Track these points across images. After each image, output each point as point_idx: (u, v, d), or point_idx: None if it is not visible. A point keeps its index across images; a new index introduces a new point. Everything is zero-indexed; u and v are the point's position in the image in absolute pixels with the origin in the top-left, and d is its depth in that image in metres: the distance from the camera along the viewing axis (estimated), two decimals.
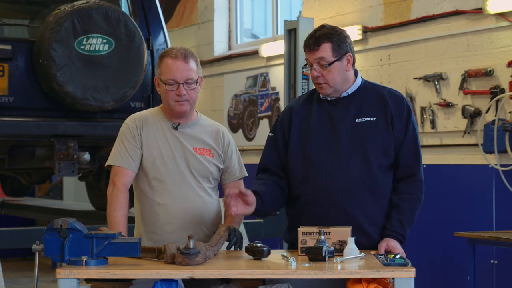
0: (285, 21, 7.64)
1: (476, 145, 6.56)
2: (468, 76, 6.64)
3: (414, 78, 7.14)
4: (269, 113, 9.14)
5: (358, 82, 3.76)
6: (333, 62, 3.63)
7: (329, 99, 3.73)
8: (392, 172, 3.72)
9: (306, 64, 3.73)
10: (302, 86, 7.25)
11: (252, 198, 3.56)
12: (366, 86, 3.78)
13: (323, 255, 3.23)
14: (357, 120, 3.68)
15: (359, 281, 3.12)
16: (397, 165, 3.71)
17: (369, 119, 3.68)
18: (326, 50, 3.63)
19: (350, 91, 3.72)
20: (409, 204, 3.68)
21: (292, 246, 3.72)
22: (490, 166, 6.46)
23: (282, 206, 3.88)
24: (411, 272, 3.06)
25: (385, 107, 3.69)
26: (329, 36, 3.64)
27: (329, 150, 3.67)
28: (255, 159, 9.50)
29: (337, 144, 3.66)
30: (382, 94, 3.74)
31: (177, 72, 3.71)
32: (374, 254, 3.40)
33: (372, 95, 3.74)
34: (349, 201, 3.63)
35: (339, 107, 3.71)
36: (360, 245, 3.42)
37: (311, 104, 3.78)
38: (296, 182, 3.74)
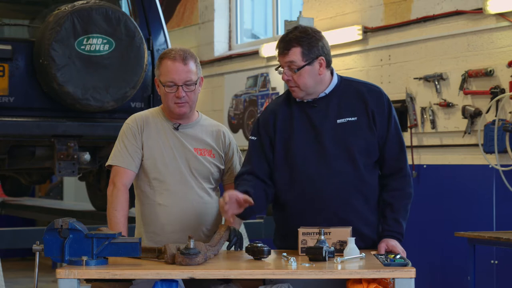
0: (285, 21, 7.63)
1: (476, 145, 6.56)
2: (468, 76, 6.64)
3: (414, 78, 7.14)
4: None
5: (335, 81, 3.68)
6: (303, 66, 3.57)
7: (305, 100, 3.67)
8: (377, 169, 3.69)
9: (279, 66, 3.66)
10: None
11: (247, 200, 3.47)
12: (343, 84, 3.70)
13: (323, 255, 3.23)
14: (338, 121, 3.62)
15: (359, 281, 3.12)
16: (383, 162, 3.67)
17: (350, 119, 3.62)
18: (295, 55, 3.57)
19: (327, 91, 3.66)
20: (401, 200, 3.65)
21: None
22: (490, 166, 6.46)
23: (263, 211, 3.81)
24: (411, 272, 3.06)
25: (365, 104, 3.63)
26: (299, 40, 3.57)
27: (314, 155, 3.61)
28: None
29: (321, 147, 3.61)
30: (360, 90, 3.67)
31: (176, 74, 3.70)
32: (374, 254, 3.40)
33: (350, 93, 3.66)
34: (341, 206, 3.60)
35: (318, 109, 3.64)
36: (358, 248, 3.42)
37: (290, 106, 3.70)
38: (283, 190, 3.68)
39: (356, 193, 3.62)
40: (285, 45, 3.59)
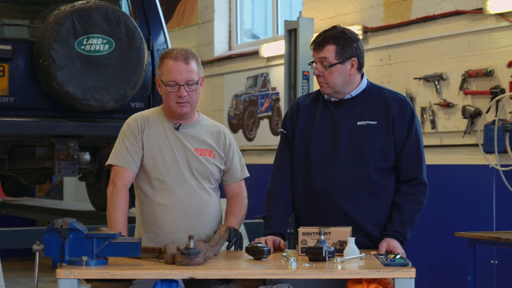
0: (285, 21, 7.63)
1: (476, 145, 6.56)
2: (468, 76, 6.65)
3: (414, 78, 7.14)
4: (270, 113, 9.14)
5: (363, 85, 3.77)
6: (335, 64, 3.66)
7: (332, 99, 3.75)
8: (393, 174, 3.73)
9: (313, 61, 3.76)
10: (303, 86, 7.25)
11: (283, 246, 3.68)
12: (372, 89, 3.78)
13: (323, 255, 3.23)
14: (358, 123, 3.70)
15: (359, 281, 3.12)
16: (399, 169, 3.72)
17: (370, 122, 3.70)
18: (329, 52, 3.66)
19: (354, 93, 3.74)
20: (410, 205, 3.68)
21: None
22: (490, 166, 6.46)
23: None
24: (411, 272, 3.06)
25: (387, 111, 3.70)
26: (335, 38, 3.67)
27: (328, 152, 3.70)
28: (256, 159, 9.53)
29: (336, 146, 3.69)
30: (385, 98, 3.75)
31: (178, 74, 3.70)
32: (374, 254, 3.40)
33: (376, 99, 3.74)
34: (345, 201, 3.65)
35: (343, 109, 3.73)
36: (364, 246, 3.43)
37: (317, 104, 3.81)
38: (298, 181, 3.78)
39: (362, 191, 3.66)
40: (320, 41, 3.69)
